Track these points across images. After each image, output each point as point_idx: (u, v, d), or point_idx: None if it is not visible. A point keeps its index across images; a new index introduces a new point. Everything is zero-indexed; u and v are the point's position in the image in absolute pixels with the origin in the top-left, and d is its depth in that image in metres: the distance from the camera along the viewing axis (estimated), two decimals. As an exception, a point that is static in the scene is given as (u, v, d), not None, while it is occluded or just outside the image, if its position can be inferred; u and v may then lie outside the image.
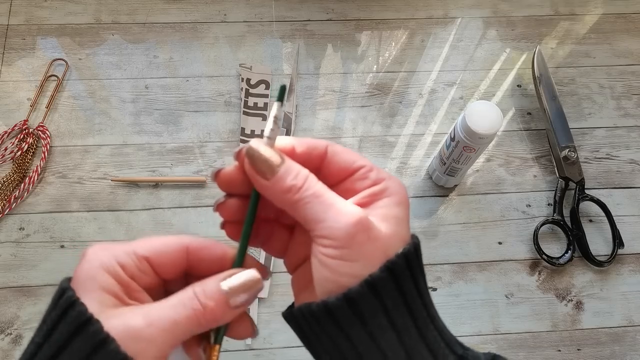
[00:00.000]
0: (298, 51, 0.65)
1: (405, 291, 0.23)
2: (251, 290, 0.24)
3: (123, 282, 0.23)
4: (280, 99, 0.25)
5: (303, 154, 0.25)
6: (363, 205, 0.24)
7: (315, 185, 0.23)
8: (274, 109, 0.24)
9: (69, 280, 0.23)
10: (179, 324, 0.22)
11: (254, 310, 0.52)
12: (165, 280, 0.25)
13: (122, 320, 0.21)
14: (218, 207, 0.26)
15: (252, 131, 0.60)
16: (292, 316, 0.25)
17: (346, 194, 0.24)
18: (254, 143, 0.23)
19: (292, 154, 0.24)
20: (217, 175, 0.25)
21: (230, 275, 0.24)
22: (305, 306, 0.23)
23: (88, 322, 0.21)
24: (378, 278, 0.22)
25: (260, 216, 0.26)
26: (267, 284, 0.53)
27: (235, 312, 0.24)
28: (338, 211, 0.22)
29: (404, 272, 0.22)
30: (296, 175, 0.23)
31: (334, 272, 0.22)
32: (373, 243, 0.22)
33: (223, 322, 0.24)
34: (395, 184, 0.25)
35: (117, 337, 0.21)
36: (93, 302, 0.22)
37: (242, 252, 0.25)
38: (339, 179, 0.25)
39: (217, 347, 0.24)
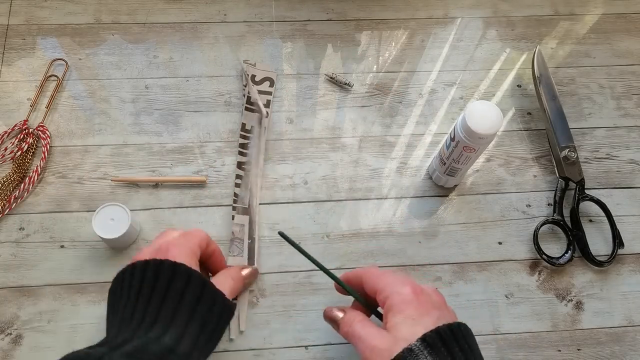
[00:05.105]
0: (245, 72, 0.64)
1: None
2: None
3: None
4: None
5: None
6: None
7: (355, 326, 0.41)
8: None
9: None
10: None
11: (242, 308, 0.52)
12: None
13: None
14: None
15: (253, 127, 0.60)
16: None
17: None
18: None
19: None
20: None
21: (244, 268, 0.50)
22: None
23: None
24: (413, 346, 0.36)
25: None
26: (267, 283, 0.53)
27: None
28: (363, 344, 0.39)
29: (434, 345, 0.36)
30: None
31: None
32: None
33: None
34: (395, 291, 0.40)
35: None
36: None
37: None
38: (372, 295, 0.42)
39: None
